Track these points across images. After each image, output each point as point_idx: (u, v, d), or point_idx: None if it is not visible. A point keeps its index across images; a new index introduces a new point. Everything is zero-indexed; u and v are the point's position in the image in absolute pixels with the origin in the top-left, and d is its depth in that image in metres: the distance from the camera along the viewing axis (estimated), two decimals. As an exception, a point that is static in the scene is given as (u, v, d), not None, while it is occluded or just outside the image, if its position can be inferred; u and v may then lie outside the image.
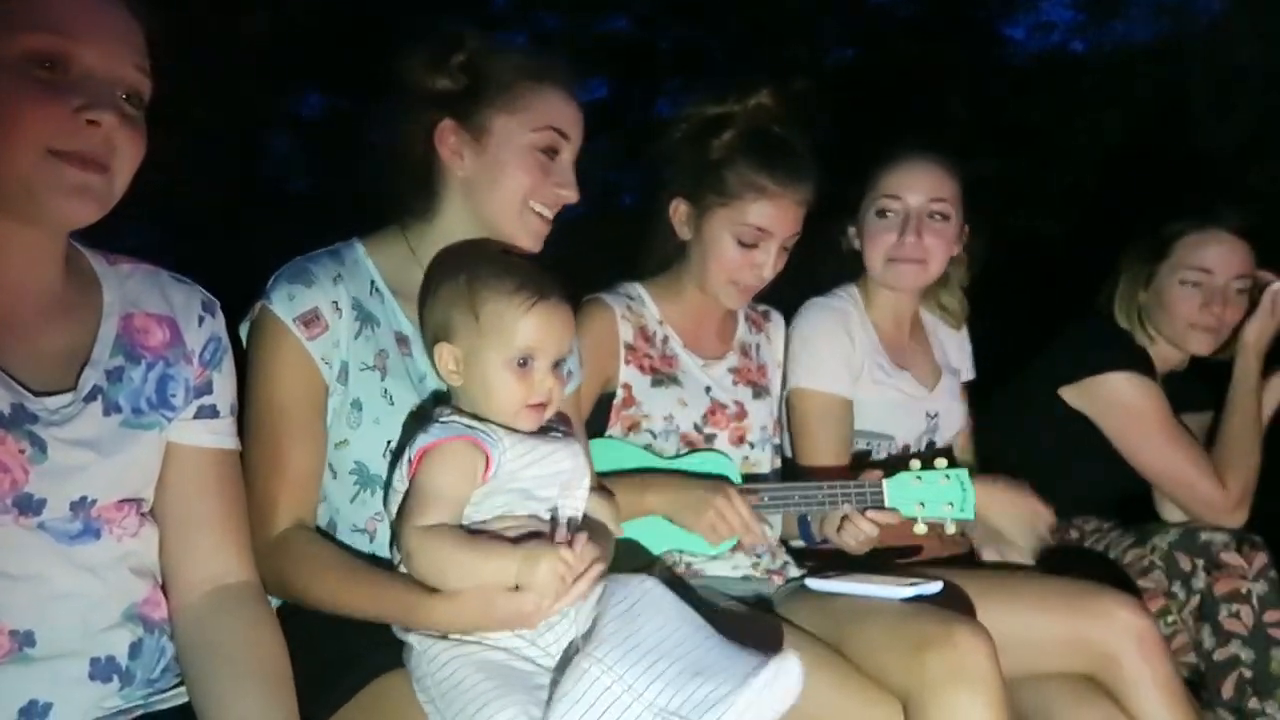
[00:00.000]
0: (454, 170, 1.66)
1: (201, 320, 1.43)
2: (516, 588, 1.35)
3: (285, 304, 1.58)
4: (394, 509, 1.49)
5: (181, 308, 1.41)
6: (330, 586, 1.49)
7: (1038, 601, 1.92)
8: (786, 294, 2.23)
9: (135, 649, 1.30)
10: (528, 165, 1.65)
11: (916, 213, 2.19)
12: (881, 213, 2.22)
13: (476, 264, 1.52)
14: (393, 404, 1.62)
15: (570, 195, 1.70)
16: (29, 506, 1.22)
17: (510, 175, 1.65)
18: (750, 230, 1.98)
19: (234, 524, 1.43)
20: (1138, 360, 2.41)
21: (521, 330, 1.47)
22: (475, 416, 1.48)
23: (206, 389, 1.42)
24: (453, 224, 1.68)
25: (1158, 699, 1.86)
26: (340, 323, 1.60)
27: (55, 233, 1.29)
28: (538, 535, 1.42)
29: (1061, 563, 2.32)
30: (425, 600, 1.40)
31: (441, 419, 1.47)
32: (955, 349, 2.44)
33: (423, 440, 1.44)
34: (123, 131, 1.23)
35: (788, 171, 1.98)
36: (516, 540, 1.40)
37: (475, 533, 1.42)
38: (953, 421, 2.36)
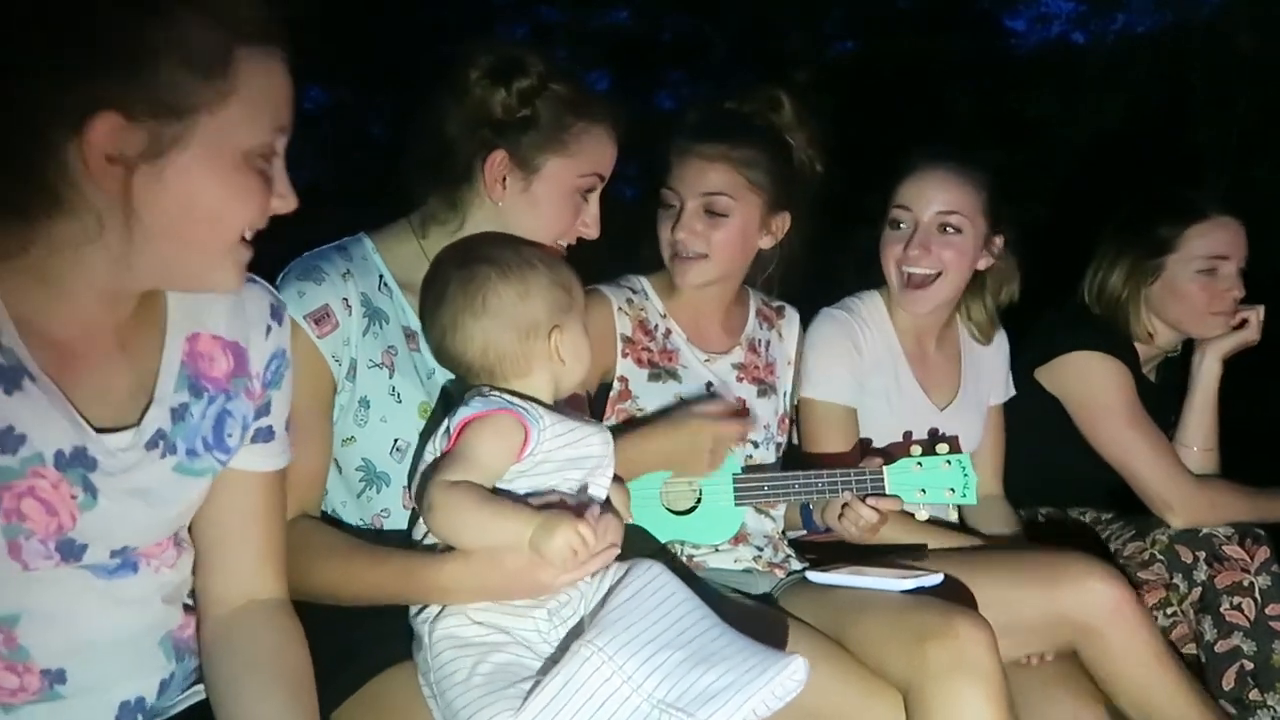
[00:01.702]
0: (491, 194, 1.65)
1: (269, 330, 1.37)
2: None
3: (295, 301, 1.57)
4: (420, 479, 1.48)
5: (253, 319, 1.35)
6: (334, 567, 1.49)
7: (1012, 578, 1.89)
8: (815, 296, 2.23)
9: (165, 685, 1.28)
10: (564, 208, 1.68)
11: (925, 225, 2.15)
12: (894, 223, 2.19)
13: (537, 253, 1.57)
14: (400, 402, 1.62)
15: (593, 233, 1.73)
16: (70, 553, 1.18)
17: (545, 215, 1.67)
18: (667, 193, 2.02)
19: (274, 545, 1.41)
20: (1112, 345, 2.41)
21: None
22: (516, 394, 1.48)
23: (264, 410, 1.38)
24: (472, 233, 1.68)
25: (1141, 665, 1.85)
26: (350, 320, 1.60)
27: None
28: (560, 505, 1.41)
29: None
30: (430, 563, 1.40)
31: (482, 393, 1.47)
32: (990, 367, 2.38)
33: (465, 411, 1.43)
34: None
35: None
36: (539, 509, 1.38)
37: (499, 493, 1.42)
38: (964, 443, 2.21)
